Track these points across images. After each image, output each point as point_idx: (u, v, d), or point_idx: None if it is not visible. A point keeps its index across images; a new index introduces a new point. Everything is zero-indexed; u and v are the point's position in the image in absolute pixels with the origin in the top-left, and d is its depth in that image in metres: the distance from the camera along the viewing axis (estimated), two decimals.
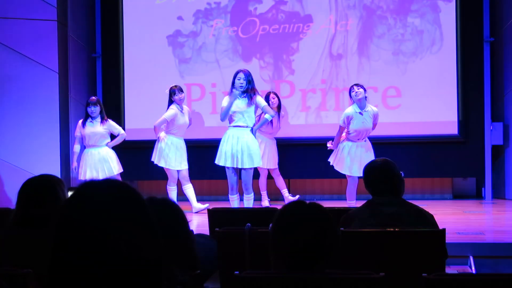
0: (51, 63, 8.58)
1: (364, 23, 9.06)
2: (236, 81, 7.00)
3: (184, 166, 7.96)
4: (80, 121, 7.95)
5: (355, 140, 7.33)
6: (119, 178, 7.77)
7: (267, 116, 7.28)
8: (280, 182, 8.53)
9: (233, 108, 7.02)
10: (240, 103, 7.02)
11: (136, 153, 9.24)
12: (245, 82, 6.96)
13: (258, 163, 7.15)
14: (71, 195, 1.36)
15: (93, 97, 7.97)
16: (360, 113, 7.23)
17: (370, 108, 7.35)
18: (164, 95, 8.23)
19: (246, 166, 6.98)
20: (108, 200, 1.33)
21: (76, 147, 8.04)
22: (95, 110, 7.78)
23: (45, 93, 8.58)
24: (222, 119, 7.20)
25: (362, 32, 9.06)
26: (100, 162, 7.82)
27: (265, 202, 8.41)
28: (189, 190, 8.06)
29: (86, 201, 1.33)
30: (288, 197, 8.43)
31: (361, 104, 7.23)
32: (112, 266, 1.28)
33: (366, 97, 7.29)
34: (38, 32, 8.54)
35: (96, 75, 9.62)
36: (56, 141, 8.61)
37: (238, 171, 7.13)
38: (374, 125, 7.39)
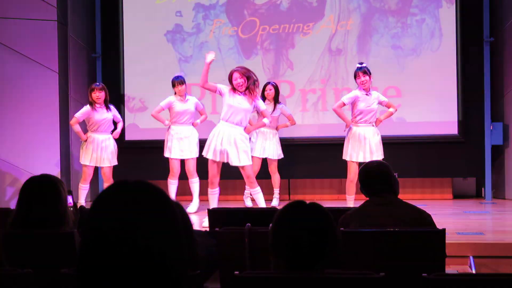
0: (51, 63, 8.59)
1: (365, 22, 9.06)
2: (234, 82, 6.85)
3: (187, 155, 7.92)
4: (88, 106, 7.88)
5: (362, 123, 7.37)
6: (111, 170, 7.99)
7: (265, 120, 7.20)
8: (275, 179, 8.49)
9: (232, 102, 6.88)
10: (240, 100, 6.91)
11: (135, 153, 9.24)
12: (242, 80, 6.86)
13: (250, 160, 7.08)
14: (100, 195, 1.36)
15: (98, 83, 8.09)
16: (366, 94, 7.39)
17: (374, 93, 7.54)
18: (164, 95, 8.25)
19: (242, 163, 6.91)
20: (135, 201, 1.33)
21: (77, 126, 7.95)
22: (100, 95, 7.84)
23: (45, 93, 8.58)
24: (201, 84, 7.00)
25: (362, 32, 9.06)
26: (104, 151, 7.91)
27: (248, 201, 8.32)
28: (193, 184, 8.07)
29: (114, 203, 1.34)
30: (275, 200, 8.39)
31: (366, 91, 7.41)
32: (140, 267, 1.28)
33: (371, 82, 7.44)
34: (38, 32, 8.54)
35: (96, 75, 9.62)
36: (56, 141, 8.61)
37: (221, 167, 7.04)
38: (385, 103, 7.50)
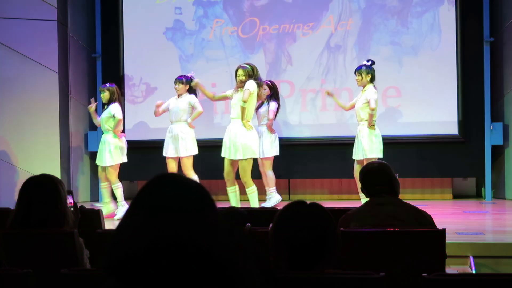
0: (51, 63, 8.59)
1: (366, 21, 9.05)
2: (237, 78, 7.12)
3: (180, 153, 7.71)
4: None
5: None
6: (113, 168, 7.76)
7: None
8: (268, 179, 8.13)
9: (232, 101, 7.14)
10: (239, 96, 7.05)
11: (136, 153, 9.21)
12: (244, 77, 7.01)
13: (250, 154, 7.02)
14: (145, 186, 1.36)
15: (106, 84, 7.98)
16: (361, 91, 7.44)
17: (368, 88, 7.35)
18: (163, 95, 8.24)
19: (237, 157, 6.95)
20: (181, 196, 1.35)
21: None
22: (103, 96, 7.84)
23: (45, 93, 8.58)
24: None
25: (362, 31, 9.06)
26: (109, 150, 7.78)
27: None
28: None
29: (160, 194, 1.35)
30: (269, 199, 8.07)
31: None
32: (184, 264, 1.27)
33: (372, 78, 7.36)
34: (38, 32, 8.54)
35: (96, 75, 9.61)
36: (56, 141, 8.60)
37: (231, 163, 7.06)
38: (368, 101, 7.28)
